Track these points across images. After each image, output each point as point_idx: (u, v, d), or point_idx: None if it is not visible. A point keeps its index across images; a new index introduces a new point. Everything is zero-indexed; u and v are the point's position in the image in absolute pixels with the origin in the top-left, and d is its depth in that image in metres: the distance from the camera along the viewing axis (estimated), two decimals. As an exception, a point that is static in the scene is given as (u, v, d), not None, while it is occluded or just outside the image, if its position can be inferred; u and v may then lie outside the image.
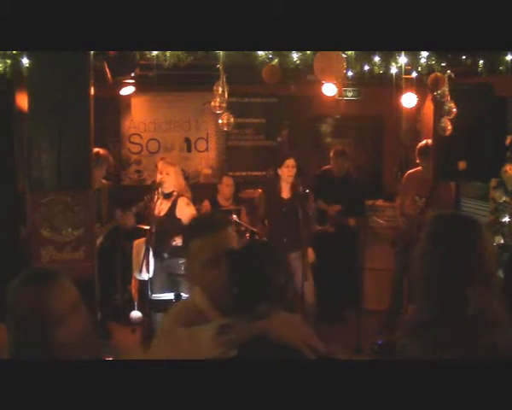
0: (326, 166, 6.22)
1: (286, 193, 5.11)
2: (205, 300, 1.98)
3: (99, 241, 4.94)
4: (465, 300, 1.63)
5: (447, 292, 1.66)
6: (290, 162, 5.09)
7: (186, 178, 6.91)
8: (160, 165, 5.01)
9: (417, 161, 5.63)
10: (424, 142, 5.59)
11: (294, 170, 5.06)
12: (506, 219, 5.29)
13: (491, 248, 1.74)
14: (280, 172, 5.14)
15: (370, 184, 7.02)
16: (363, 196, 6.07)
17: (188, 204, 4.97)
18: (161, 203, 4.90)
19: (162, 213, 4.89)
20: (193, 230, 2.10)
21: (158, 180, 4.90)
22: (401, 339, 1.73)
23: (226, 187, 6.07)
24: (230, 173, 6.82)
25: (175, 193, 4.92)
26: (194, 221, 2.26)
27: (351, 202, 5.77)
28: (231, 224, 2.23)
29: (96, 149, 4.71)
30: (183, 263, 4.84)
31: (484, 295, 1.64)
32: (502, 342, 1.61)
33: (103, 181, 5.43)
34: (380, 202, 6.36)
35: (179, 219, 4.84)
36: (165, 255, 4.84)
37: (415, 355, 1.66)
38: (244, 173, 7.28)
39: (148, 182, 6.70)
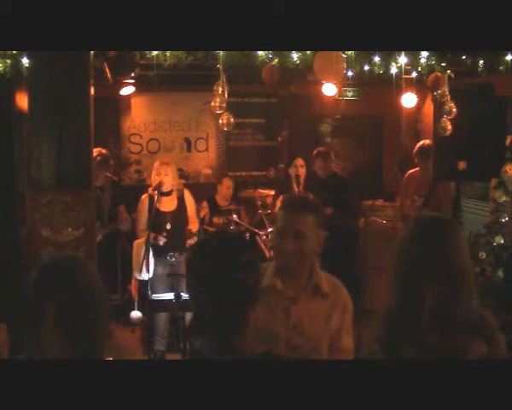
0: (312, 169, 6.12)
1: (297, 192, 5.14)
2: (275, 275, 2.26)
3: (98, 240, 4.95)
4: (434, 300, 1.63)
5: (417, 292, 1.66)
6: (299, 162, 5.12)
7: (185, 177, 6.94)
8: (158, 166, 5.04)
9: (416, 162, 5.64)
10: (422, 142, 5.61)
11: (303, 169, 5.09)
12: (506, 219, 5.29)
13: (466, 251, 1.72)
14: (290, 171, 5.17)
15: (370, 184, 7.02)
16: (355, 196, 6.01)
17: (191, 195, 5.21)
18: (164, 201, 4.97)
19: (172, 209, 5.03)
20: (282, 205, 2.40)
21: (157, 181, 4.93)
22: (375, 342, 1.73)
23: (227, 189, 6.09)
24: (230, 173, 6.82)
25: (175, 190, 5.02)
26: (287, 198, 2.73)
27: (339, 203, 5.70)
28: (317, 210, 2.30)
29: (97, 149, 4.74)
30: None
31: (457, 297, 1.64)
32: (478, 345, 1.61)
33: (108, 174, 5.50)
34: (380, 202, 6.35)
35: (187, 210, 5.10)
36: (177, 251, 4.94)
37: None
38: (244, 173, 7.28)
39: (149, 182, 6.71)
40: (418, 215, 1.91)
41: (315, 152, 5.99)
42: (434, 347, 1.60)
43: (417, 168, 5.66)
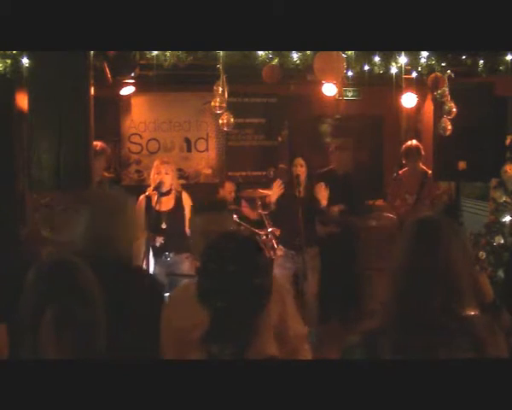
0: (327, 168, 6.15)
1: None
2: None
3: None
4: (427, 300, 1.64)
5: (412, 292, 1.67)
6: (298, 161, 5.09)
7: (185, 177, 6.94)
8: (159, 165, 5.04)
9: (403, 162, 5.67)
10: (409, 143, 5.65)
11: (303, 169, 5.06)
12: (506, 219, 5.29)
13: (458, 253, 1.72)
14: (292, 170, 5.17)
15: (370, 184, 7.02)
16: (365, 195, 6.03)
17: (189, 196, 5.15)
18: (162, 200, 4.97)
19: (170, 207, 5.00)
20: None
21: (158, 180, 4.93)
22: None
23: (229, 194, 6.10)
24: (230, 173, 6.81)
25: (173, 190, 5.02)
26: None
27: (353, 201, 5.72)
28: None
29: (94, 143, 4.74)
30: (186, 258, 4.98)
31: (436, 298, 1.64)
32: (454, 349, 1.62)
33: (105, 173, 5.50)
34: (380, 202, 6.35)
35: (184, 211, 5.04)
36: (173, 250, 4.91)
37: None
38: (244, 173, 7.28)
39: (148, 181, 6.71)
40: (415, 216, 1.91)
41: (333, 145, 6.01)
42: (408, 344, 1.61)
43: (404, 169, 5.70)
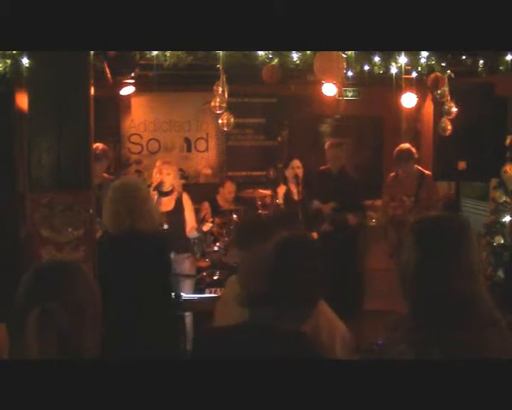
0: (323, 167, 6.15)
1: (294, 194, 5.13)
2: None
3: (99, 235, 4.95)
4: (454, 300, 1.65)
5: (434, 295, 1.68)
6: (295, 163, 5.09)
7: (186, 177, 6.95)
8: (160, 165, 5.06)
9: (397, 166, 5.68)
10: (400, 146, 5.68)
11: (300, 170, 5.06)
12: (506, 219, 5.29)
13: (477, 247, 1.76)
14: (286, 173, 5.14)
15: (370, 184, 7.02)
16: (361, 194, 6.03)
17: (190, 198, 5.19)
18: (162, 201, 4.98)
19: (170, 208, 5.02)
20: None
21: (159, 180, 4.94)
22: (396, 343, 1.73)
23: (229, 193, 6.11)
24: (230, 173, 6.81)
25: (175, 190, 5.04)
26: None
27: (348, 199, 5.71)
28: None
29: (95, 145, 4.74)
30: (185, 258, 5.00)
31: (477, 293, 1.67)
32: (492, 343, 1.63)
33: (105, 175, 5.50)
34: (379, 202, 6.35)
35: (184, 212, 5.07)
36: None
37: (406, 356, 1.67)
38: (244, 173, 7.29)
39: (149, 182, 6.71)
40: (424, 217, 1.91)
41: (328, 143, 5.99)
42: (461, 344, 1.61)
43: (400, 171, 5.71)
